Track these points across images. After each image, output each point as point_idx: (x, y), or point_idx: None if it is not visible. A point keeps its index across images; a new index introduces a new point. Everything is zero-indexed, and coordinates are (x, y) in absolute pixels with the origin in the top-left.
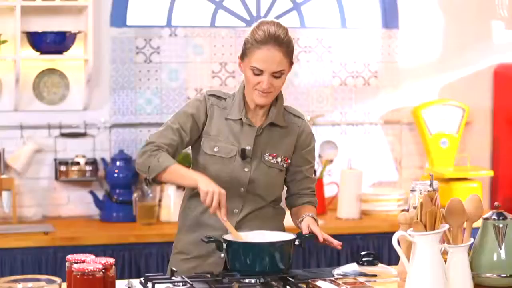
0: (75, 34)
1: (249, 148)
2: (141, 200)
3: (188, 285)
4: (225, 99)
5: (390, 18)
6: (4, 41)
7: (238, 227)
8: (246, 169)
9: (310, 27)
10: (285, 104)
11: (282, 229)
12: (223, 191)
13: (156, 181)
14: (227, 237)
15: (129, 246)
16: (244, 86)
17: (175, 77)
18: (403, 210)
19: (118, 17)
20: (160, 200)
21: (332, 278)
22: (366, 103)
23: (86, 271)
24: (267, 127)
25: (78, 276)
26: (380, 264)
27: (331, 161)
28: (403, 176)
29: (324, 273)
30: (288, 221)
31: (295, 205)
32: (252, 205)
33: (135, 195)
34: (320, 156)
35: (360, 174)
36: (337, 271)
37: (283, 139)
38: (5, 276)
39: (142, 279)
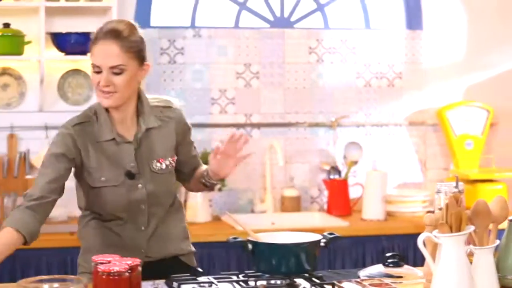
0: None
1: (133, 164)
2: None
3: (214, 285)
4: (89, 121)
5: (414, 19)
6: (29, 42)
7: (151, 240)
8: (139, 186)
9: (334, 28)
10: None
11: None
12: None
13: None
14: (252, 238)
15: None
16: None
17: (199, 78)
18: (428, 212)
19: (142, 18)
20: (185, 201)
21: (358, 280)
22: (391, 104)
23: (112, 271)
24: (144, 135)
25: (104, 277)
26: (405, 266)
27: (355, 162)
28: (428, 178)
29: (349, 274)
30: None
31: (192, 176)
32: (157, 215)
33: None
34: (345, 157)
35: (385, 175)
36: (363, 272)
37: (163, 140)
38: (31, 277)
39: (167, 279)
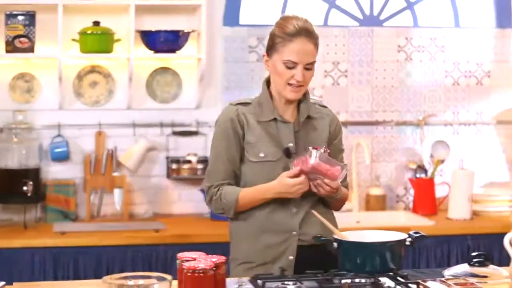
0: (188, 33)
1: (292, 145)
2: None
3: (298, 284)
4: (250, 103)
5: (503, 17)
6: (118, 40)
7: (303, 224)
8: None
9: (423, 27)
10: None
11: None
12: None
13: (238, 213)
14: (337, 236)
15: None
16: (267, 87)
17: None
18: None
19: (231, 16)
20: None
21: (443, 279)
22: (479, 103)
23: (197, 268)
24: (304, 121)
25: (189, 274)
26: (491, 266)
27: (442, 161)
28: None
29: (434, 273)
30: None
31: None
32: (309, 200)
33: None
34: (431, 156)
35: (472, 174)
36: (448, 271)
37: (319, 130)
38: (116, 273)
39: (251, 277)
